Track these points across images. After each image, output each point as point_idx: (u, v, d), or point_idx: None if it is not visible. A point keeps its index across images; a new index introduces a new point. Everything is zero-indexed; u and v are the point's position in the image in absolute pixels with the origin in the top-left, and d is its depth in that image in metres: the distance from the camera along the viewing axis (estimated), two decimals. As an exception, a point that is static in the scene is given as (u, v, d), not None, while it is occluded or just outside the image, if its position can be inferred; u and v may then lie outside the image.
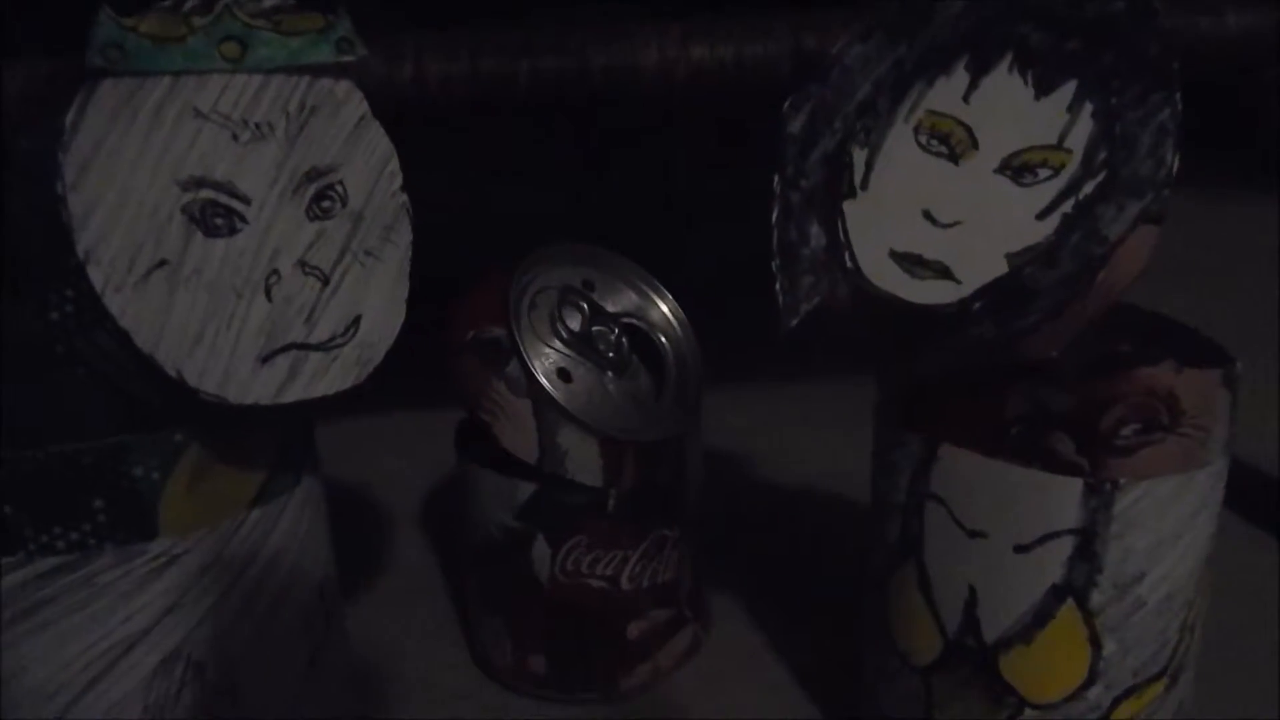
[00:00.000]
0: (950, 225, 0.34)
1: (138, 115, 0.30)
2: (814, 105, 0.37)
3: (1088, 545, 0.35)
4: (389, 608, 0.52)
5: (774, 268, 0.36)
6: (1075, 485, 0.34)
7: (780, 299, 0.35)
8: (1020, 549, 0.36)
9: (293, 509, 0.36)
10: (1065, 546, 0.35)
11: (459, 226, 0.54)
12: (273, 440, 0.35)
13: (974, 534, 0.36)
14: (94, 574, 0.32)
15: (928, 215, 0.35)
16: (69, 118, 0.29)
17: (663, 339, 0.47)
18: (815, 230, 0.36)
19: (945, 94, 0.35)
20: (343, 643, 0.40)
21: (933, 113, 0.35)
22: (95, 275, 0.29)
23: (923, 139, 0.35)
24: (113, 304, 0.29)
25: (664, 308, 0.48)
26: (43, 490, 0.31)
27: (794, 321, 0.35)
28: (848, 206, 0.36)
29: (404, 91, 0.46)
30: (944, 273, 0.34)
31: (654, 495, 0.45)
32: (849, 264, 0.35)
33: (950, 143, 0.35)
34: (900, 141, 0.36)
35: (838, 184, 0.36)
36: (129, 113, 0.30)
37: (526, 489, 0.44)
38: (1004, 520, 0.36)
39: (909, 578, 0.39)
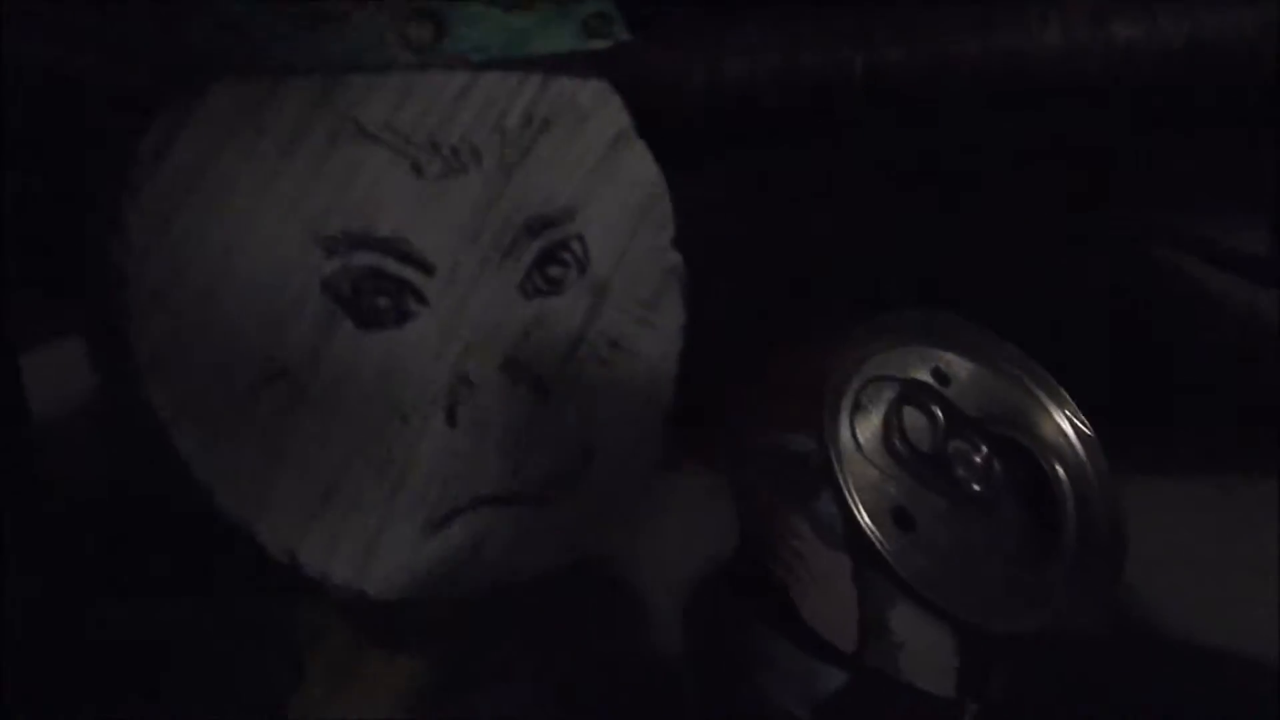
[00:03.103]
0: None
1: (264, 135, 0.20)
2: None
3: None
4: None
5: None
6: None
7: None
8: None
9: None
10: None
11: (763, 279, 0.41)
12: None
13: None
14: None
15: None
16: (148, 140, 0.18)
17: (1057, 466, 0.32)
18: None
19: None
20: None
21: None
22: (160, 398, 0.18)
23: None
24: (185, 443, 0.18)
25: (1059, 417, 0.33)
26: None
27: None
28: None
29: (693, 102, 0.33)
30: None
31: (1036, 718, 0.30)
32: None
33: None
34: None
35: None
36: (250, 131, 0.20)
37: (834, 678, 0.31)
38: None
39: None
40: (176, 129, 0.19)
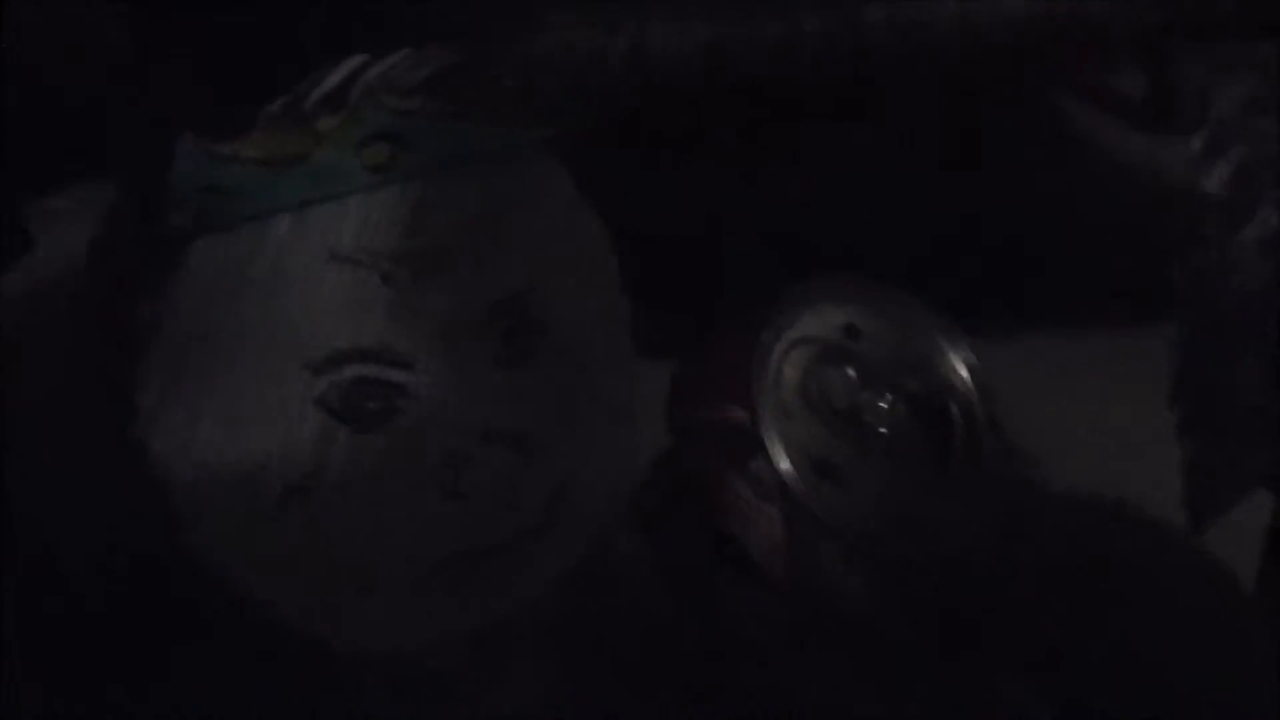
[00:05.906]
0: None
1: (249, 281, 0.21)
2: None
3: None
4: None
5: (1176, 429, 0.24)
6: None
7: (1190, 496, 0.23)
8: None
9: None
10: None
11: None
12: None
13: None
14: None
15: None
16: (142, 314, 0.20)
17: (952, 405, 0.36)
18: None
19: None
20: None
21: None
22: (203, 542, 0.20)
23: None
24: (238, 577, 0.21)
25: (957, 362, 0.36)
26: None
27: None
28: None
29: (617, 74, 0.34)
30: None
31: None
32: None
33: None
34: None
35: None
36: (236, 280, 0.21)
37: (781, 606, 0.35)
38: None
39: None
40: (168, 295, 0.20)
